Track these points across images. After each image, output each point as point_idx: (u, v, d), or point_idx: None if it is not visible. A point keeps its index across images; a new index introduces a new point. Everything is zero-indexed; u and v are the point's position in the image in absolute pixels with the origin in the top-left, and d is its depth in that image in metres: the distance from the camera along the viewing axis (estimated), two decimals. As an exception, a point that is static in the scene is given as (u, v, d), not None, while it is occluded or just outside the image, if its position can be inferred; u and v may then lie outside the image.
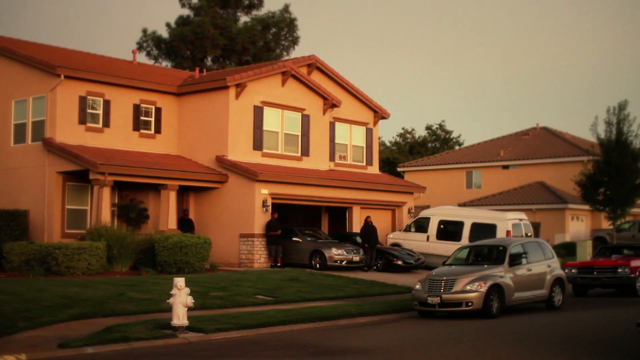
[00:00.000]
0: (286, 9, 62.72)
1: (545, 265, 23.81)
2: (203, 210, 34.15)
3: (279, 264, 32.35)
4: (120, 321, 18.12)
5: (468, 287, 21.06)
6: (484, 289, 21.03)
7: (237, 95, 34.17)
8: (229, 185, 33.41)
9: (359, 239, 34.88)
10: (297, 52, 65.69)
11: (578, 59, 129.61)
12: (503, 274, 21.82)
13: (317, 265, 32.25)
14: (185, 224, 32.98)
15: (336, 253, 32.27)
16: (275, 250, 32.42)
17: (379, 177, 40.48)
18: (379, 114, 41.15)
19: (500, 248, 23.12)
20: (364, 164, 40.56)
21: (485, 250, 24.13)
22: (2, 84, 33.98)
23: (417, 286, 21.98)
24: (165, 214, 32.08)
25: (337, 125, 39.08)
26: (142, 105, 34.60)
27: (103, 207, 30.05)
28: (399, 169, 62.99)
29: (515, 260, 22.63)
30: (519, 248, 23.38)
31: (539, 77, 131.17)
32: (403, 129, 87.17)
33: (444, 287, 21.27)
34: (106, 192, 30.23)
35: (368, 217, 34.64)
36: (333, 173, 37.17)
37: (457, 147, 78.58)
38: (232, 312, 20.40)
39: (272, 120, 35.55)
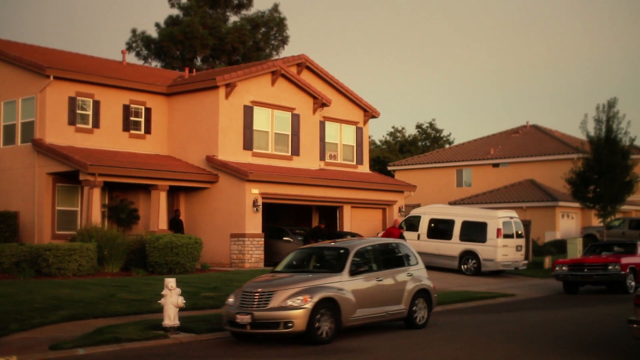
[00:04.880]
0: (275, 8, 62.69)
1: (404, 274, 18.97)
2: (194, 210, 34.10)
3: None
4: (112, 322, 18.08)
5: (289, 303, 16.09)
6: (309, 304, 16.07)
7: (227, 95, 34.12)
8: (220, 185, 33.37)
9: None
10: (287, 51, 65.80)
11: (568, 57, 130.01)
12: (340, 285, 16.98)
13: (308, 264, 32.14)
14: (175, 224, 32.92)
15: (327, 252, 32.17)
16: None
17: (370, 176, 40.50)
18: (369, 113, 41.17)
19: (341, 252, 18.19)
20: (354, 163, 40.56)
21: (325, 254, 19.10)
22: (-9, 85, 33.86)
23: (230, 299, 17.06)
24: (155, 215, 32.02)
25: (327, 124, 39.07)
26: (131, 105, 34.52)
27: (93, 208, 29.95)
28: (389, 168, 63.07)
29: (361, 267, 17.74)
30: (367, 252, 18.61)
31: (529, 76, 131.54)
32: (393, 127, 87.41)
33: (259, 302, 16.30)
34: (96, 193, 30.14)
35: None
36: (323, 172, 37.17)
37: (447, 146, 78.71)
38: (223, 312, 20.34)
39: (262, 119, 35.52)
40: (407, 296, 18.73)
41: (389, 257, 19.26)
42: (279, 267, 18.84)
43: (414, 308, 18.88)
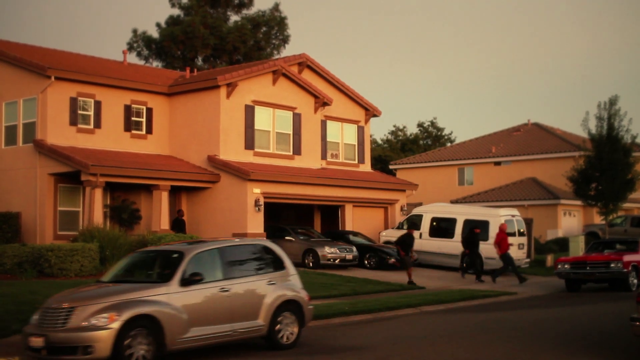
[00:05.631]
0: (276, 7, 62.69)
1: (263, 282, 15.64)
2: (195, 210, 34.11)
3: (411, 280, 29.75)
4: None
5: (92, 322, 13.13)
6: (116, 323, 13.09)
7: (228, 95, 34.13)
8: (221, 185, 33.38)
9: (351, 237, 35.02)
10: (288, 50, 65.75)
11: (569, 55, 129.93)
12: (166, 299, 13.88)
13: (310, 264, 32.27)
14: (178, 224, 32.93)
15: (329, 251, 32.29)
16: (408, 262, 30.45)
17: (371, 175, 40.50)
18: (371, 112, 41.16)
19: (174, 256, 14.93)
20: (356, 162, 40.56)
21: (158, 259, 15.68)
22: (-8, 85, 33.88)
23: (35, 316, 14.05)
24: (157, 215, 32.03)
25: (329, 123, 39.07)
26: (133, 105, 34.54)
27: (95, 208, 29.98)
28: (391, 167, 63.04)
29: (197, 275, 14.33)
30: (210, 256, 15.12)
31: (530, 74, 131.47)
32: (395, 126, 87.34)
33: (57, 321, 13.34)
34: (98, 193, 30.17)
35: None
36: (325, 171, 37.17)
37: (448, 144, 78.70)
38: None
39: (263, 119, 35.53)
40: (266, 309, 15.39)
41: (242, 263, 15.68)
42: (106, 276, 15.55)
43: (277, 324, 15.59)
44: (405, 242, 30.60)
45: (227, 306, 14.78)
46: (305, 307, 16.31)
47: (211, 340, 14.54)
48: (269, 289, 15.61)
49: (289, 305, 15.90)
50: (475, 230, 32.22)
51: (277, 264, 16.28)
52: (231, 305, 14.85)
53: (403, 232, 36.66)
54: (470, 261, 32.22)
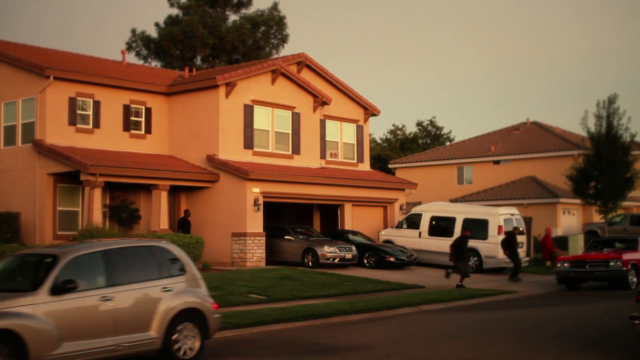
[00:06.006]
0: (275, 7, 62.68)
1: (158, 288, 13.82)
2: (195, 209, 34.10)
3: (461, 283, 28.87)
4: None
5: None
6: None
7: (227, 94, 34.12)
8: (221, 184, 33.38)
9: (351, 237, 35.05)
10: (287, 50, 65.73)
11: (567, 53, 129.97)
12: (32, 310, 12.19)
13: (310, 263, 32.27)
14: (184, 224, 32.86)
15: (328, 251, 32.28)
16: (464, 267, 29.35)
17: (370, 174, 40.51)
18: (370, 111, 41.17)
19: (48, 260, 13.13)
20: (355, 161, 40.56)
21: (29, 263, 13.82)
22: (-9, 86, 33.87)
23: None
24: (156, 214, 32.04)
25: (328, 122, 39.07)
26: (132, 105, 34.53)
27: (94, 208, 29.98)
28: (390, 166, 63.02)
29: (71, 283, 12.61)
30: (90, 260, 13.40)
31: (529, 72, 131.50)
32: (394, 125, 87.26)
33: None
34: (97, 193, 30.17)
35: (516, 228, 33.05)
36: (324, 171, 37.17)
37: (448, 143, 78.66)
38: (225, 312, 20.31)
39: (262, 118, 35.52)
40: (160, 320, 13.62)
41: (133, 267, 13.82)
42: None
43: (174, 336, 13.83)
44: (461, 245, 29.54)
45: (109, 317, 13.05)
46: (210, 316, 14.46)
47: (90, 356, 12.72)
48: (165, 297, 13.81)
49: (190, 315, 14.11)
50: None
51: (177, 268, 14.44)
52: (115, 316, 13.11)
53: (403, 231, 36.76)
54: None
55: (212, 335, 14.77)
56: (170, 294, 13.90)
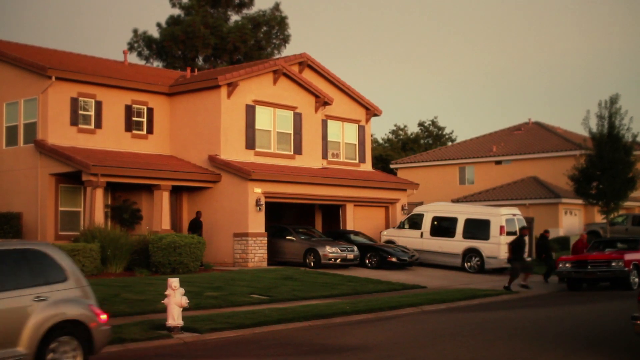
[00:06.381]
0: (277, 7, 62.72)
1: (28, 298, 11.91)
2: (197, 210, 34.09)
3: (524, 283, 29.24)
4: (115, 322, 18.00)
5: None
6: None
7: (229, 95, 34.13)
8: (222, 184, 33.39)
9: (352, 237, 35.05)
10: (289, 50, 65.77)
11: (569, 53, 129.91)
12: None
13: (312, 263, 32.27)
14: (194, 225, 32.78)
15: (330, 251, 32.28)
16: (522, 268, 29.20)
17: (372, 175, 40.50)
18: (371, 111, 41.17)
19: None
20: (357, 161, 40.57)
21: None
22: (-7, 86, 33.90)
23: None
24: (158, 215, 32.05)
25: (330, 123, 39.08)
26: (133, 105, 34.55)
27: (96, 208, 30.00)
28: (391, 166, 63.02)
29: None
30: None
31: (531, 72, 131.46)
32: (395, 125, 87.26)
33: None
34: (99, 194, 30.18)
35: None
36: (326, 171, 37.17)
37: (449, 143, 78.64)
38: (227, 312, 20.39)
39: (264, 118, 35.54)
40: (31, 334, 11.69)
41: None
42: None
43: (49, 354, 11.92)
44: (520, 245, 29.32)
45: None
46: (95, 329, 12.57)
47: None
48: (37, 307, 11.87)
49: (70, 328, 12.23)
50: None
51: (55, 275, 12.51)
52: None
53: (405, 231, 36.71)
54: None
55: (99, 350, 12.85)
56: (44, 304, 12.00)
